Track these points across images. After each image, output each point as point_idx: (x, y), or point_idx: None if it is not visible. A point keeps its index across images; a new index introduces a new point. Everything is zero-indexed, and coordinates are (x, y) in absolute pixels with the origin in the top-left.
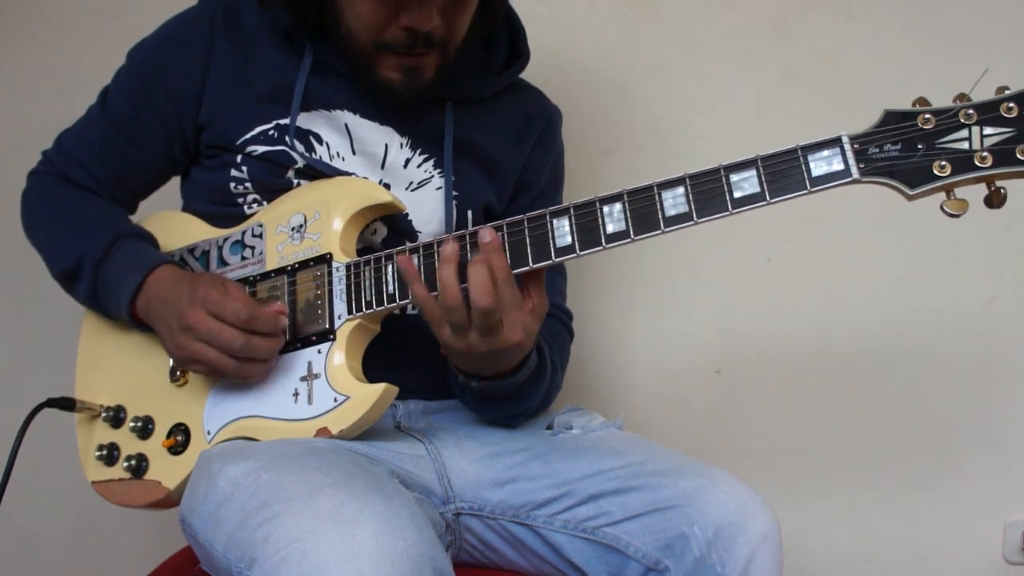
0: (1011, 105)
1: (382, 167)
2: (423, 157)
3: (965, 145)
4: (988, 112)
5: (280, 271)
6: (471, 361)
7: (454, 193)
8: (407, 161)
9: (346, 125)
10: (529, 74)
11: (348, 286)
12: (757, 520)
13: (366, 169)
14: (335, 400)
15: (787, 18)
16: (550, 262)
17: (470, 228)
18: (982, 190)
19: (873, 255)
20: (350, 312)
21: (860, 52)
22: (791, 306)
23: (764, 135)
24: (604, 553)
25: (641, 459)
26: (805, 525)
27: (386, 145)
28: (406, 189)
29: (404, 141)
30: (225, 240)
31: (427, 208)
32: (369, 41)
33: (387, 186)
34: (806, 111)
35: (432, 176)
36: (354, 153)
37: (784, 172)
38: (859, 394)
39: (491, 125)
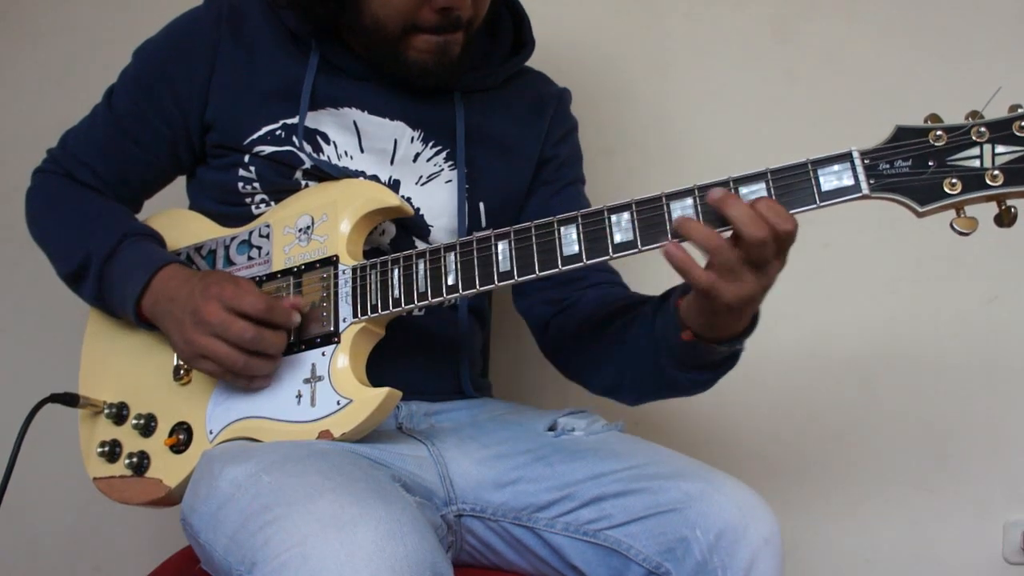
0: None
1: (391, 163)
2: (435, 150)
3: (976, 163)
4: (1001, 130)
5: (286, 272)
6: (736, 315)
7: (465, 186)
8: (417, 155)
9: (354, 122)
10: None
11: (354, 289)
12: (759, 524)
13: (375, 166)
14: (338, 403)
15: (787, 18)
16: (556, 270)
17: (480, 230)
18: (992, 208)
19: (873, 255)
20: (355, 315)
21: (860, 53)
22: (791, 306)
23: (764, 136)
24: (605, 556)
25: (643, 462)
26: (805, 525)
27: (395, 140)
28: (416, 183)
29: (416, 135)
30: (232, 240)
31: (438, 201)
32: (399, 26)
33: (397, 182)
34: (806, 112)
35: (442, 169)
36: (362, 151)
37: (794, 186)
38: (859, 394)
39: (502, 110)
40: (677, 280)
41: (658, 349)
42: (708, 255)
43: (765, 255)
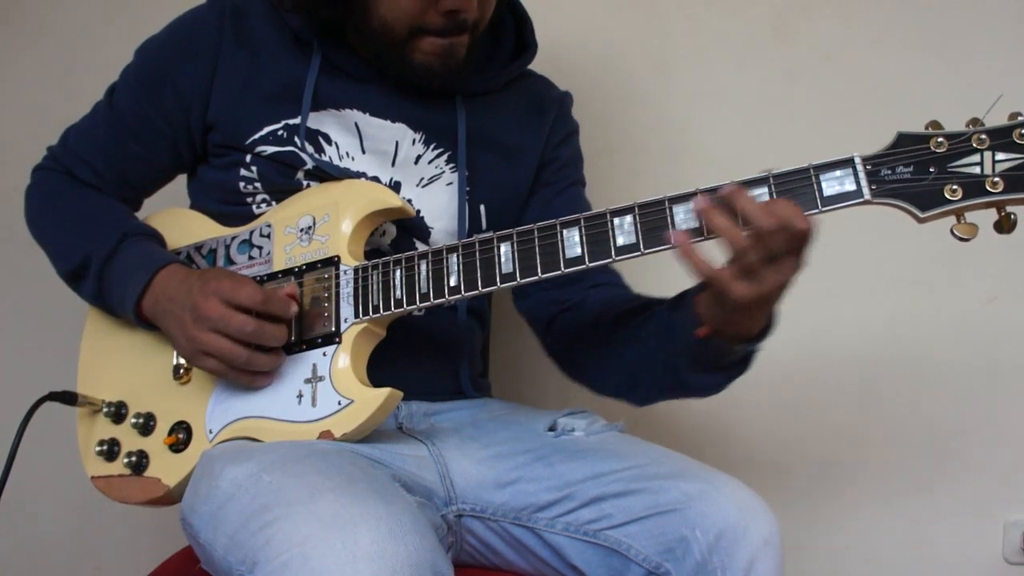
0: None
1: (393, 165)
2: (436, 153)
3: (977, 170)
4: (1001, 138)
5: (287, 272)
6: (752, 314)
7: (466, 188)
8: (418, 158)
9: (356, 124)
10: None
11: (355, 289)
12: (759, 524)
13: (376, 168)
14: (339, 403)
15: (787, 19)
16: (559, 272)
17: (481, 234)
18: (992, 215)
19: (873, 255)
20: (356, 316)
21: (860, 53)
22: (791, 306)
23: (764, 136)
24: (605, 556)
25: (643, 462)
26: (805, 525)
27: (397, 142)
28: (417, 185)
29: (417, 137)
30: (233, 239)
31: (439, 203)
32: (405, 29)
33: (398, 184)
34: (806, 112)
35: (444, 172)
36: (364, 152)
37: (796, 190)
38: (859, 393)
39: (504, 113)
40: (674, 285)
41: (672, 348)
42: (730, 251)
43: (777, 246)
